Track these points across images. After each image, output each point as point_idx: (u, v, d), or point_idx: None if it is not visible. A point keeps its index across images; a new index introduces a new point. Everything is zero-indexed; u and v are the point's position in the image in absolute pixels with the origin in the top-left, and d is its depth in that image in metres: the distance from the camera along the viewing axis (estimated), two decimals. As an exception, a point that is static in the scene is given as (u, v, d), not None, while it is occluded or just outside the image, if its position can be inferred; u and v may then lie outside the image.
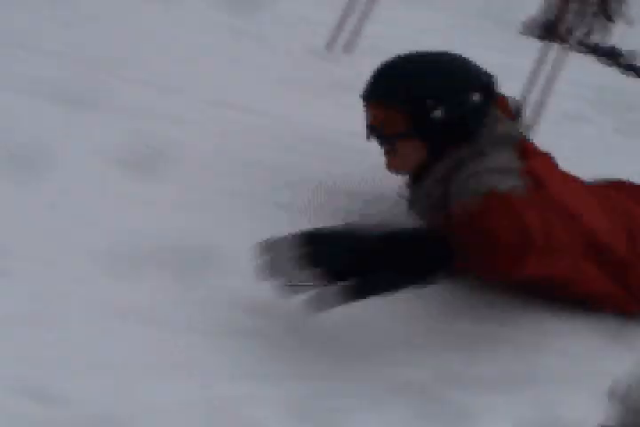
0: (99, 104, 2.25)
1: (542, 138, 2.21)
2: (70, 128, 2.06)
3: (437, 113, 1.89)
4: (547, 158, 1.98)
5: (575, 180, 1.98)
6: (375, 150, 2.00)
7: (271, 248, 1.47)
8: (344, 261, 1.46)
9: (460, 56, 2.01)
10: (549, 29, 4.41)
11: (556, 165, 1.99)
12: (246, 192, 1.98)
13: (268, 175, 2.08)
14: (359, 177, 2.13)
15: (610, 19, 5.20)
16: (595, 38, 5.19)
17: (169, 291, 1.57)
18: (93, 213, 1.74)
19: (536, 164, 1.91)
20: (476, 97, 1.92)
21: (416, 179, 2.00)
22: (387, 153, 1.98)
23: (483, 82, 1.96)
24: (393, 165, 1.99)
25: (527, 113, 2.48)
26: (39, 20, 2.69)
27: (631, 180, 2.14)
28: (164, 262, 1.66)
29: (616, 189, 2.05)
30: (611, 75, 4.57)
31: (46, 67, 2.36)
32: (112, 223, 1.72)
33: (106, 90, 2.32)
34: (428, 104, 1.90)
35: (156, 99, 2.33)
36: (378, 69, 1.97)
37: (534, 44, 3.54)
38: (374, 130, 1.96)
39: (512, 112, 2.05)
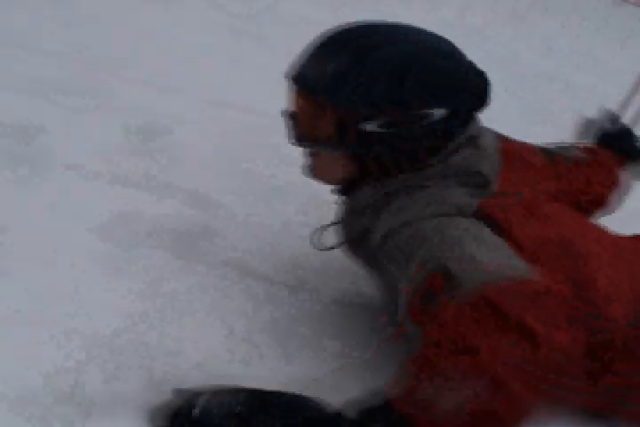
0: (99, 104, 2.25)
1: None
2: (70, 128, 2.06)
3: (371, 125, 1.34)
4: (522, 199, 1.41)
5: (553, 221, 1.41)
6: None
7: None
8: None
9: (445, 47, 1.39)
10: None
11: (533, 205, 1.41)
12: (246, 192, 1.98)
13: (269, 175, 2.08)
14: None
15: None
16: None
17: (168, 291, 1.57)
18: (93, 213, 1.74)
19: (498, 202, 1.38)
20: (439, 113, 1.35)
21: (346, 192, 1.53)
22: (304, 154, 1.49)
23: (459, 93, 1.37)
24: (308, 172, 1.49)
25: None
26: (39, 20, 2.69)
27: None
28: (165, 262, 1.66)
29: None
30: None
31: (46, 67, 2.36)
32: (112, 223, 1.72)
33: (106, 90, 2.32)
34: (360, 112, 1.34)
35: (156, 99, 2.33)
36: (318, 43, 1.38)
37: None
38: (294, 120, 1.44)
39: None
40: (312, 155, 1.47)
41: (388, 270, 1.38)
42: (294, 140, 1.45)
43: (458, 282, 1.21)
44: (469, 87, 1.38)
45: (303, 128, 1.42)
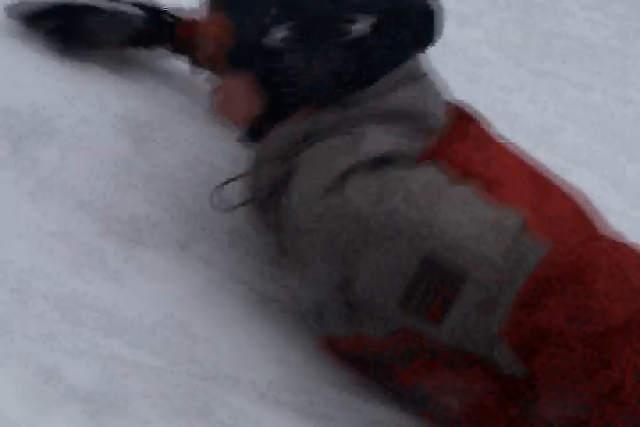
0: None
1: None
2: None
3: (274, 37, 1.14)
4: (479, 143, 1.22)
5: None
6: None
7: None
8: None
9: None
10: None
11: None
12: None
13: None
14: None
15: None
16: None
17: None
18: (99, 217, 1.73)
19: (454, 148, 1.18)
20: (361, 29, 1.13)
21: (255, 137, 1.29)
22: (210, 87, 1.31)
23: (392, 3, 1.15)
24: (216, 108, 1.31)
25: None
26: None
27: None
28: (169, 261, 1.64)
29: None
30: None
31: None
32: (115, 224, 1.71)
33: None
34: (263, 20, 1.15)
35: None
36: None
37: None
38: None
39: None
40: (214, 86, 1.29)
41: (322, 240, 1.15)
42: (190, 65, 1.31)
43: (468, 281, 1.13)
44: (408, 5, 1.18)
45: (199, 47, 1.26)
